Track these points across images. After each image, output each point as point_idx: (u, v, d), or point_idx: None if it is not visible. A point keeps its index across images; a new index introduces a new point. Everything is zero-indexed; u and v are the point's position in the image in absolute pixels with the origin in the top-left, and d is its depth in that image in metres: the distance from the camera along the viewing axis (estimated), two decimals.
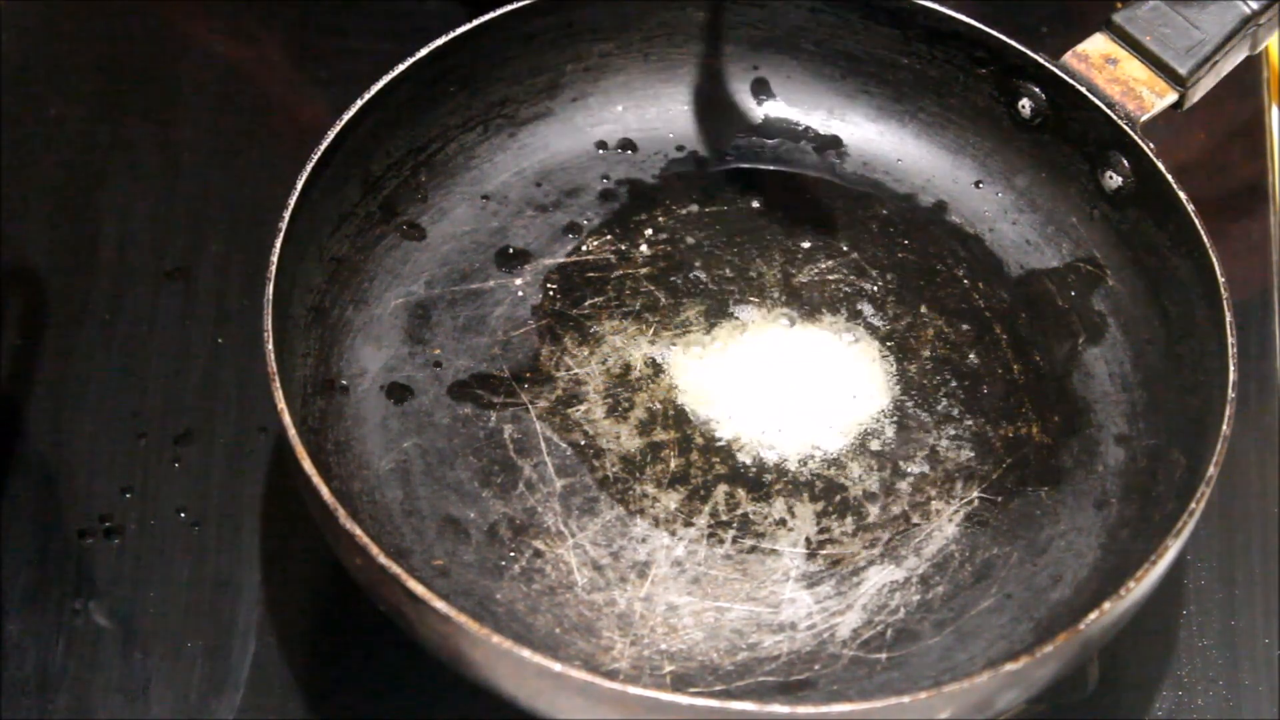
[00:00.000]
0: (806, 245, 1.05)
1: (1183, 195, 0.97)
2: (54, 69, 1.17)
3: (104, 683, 0.95)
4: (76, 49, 1.18)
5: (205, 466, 1.01)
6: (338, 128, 0.97)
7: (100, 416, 1.03)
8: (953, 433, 0.98)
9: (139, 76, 1.18)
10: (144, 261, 1.09)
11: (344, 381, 0.97)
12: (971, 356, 1.01)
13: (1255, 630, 0.99)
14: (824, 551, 0.94)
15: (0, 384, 1.03)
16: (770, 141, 1.08)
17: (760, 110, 1.09)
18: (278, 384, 0.88)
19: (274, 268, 0.92)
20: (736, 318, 1.02)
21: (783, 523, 0.95)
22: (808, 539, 0.94)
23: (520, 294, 1.02)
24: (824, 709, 0.82)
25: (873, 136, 1.08)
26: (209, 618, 0.97)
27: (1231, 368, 0.91)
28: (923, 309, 1.02)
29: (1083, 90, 1.01)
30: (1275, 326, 1.09)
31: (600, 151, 1.07)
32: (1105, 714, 0.96)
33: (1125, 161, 1.00)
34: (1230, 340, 0.92)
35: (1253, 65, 1.09)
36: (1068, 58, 1.02)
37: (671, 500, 0.95)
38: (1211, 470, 0.88)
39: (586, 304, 1.02)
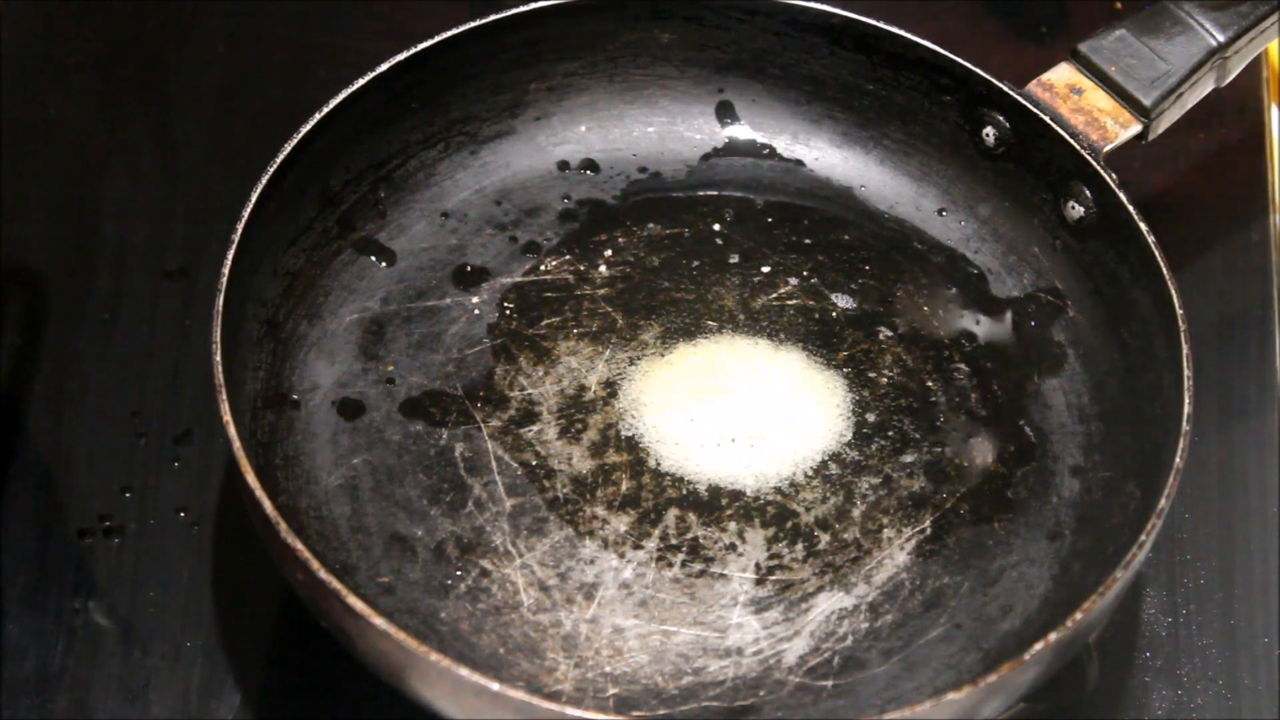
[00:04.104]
0: (766, 270, 1.04)
1: (1144, 227, 0.96)
2: (54, 69, 1.18)
3: (104, 683, 0.95)
4: (76, 49, 1.19)
5: (205, 466, 1.01)
6: (294, 141, 0.96)
7: (100, 416, 1.03)
8: (907, 460, 0.97)
9: (139, 76, 1.18)
10: (144, 261, 1.09)
11: (295, 396, 0.97)
12: (929, 384, 1.00)
13: (1255, 630, 0.99)
14: (773, 577, 0.93)
15: (0, 384, 1.03)
16: (733, 164, 1.08)
17: (724, 133, 1.09)
18: (224, 396, 0.88)
19: (225, 279, 0.91)
20: (694, 341, 1.01)
21: (733, 547, 0.94)
22: (757, 564, 0.93)
23: (476, 312, 1.01)
24: None
25: (836, 162, 1.08)
26: (209, 618, 0.97)
27: (1186, 401, 0.91)
28: (882, 336, 1.02)
29: (1047, 120, 1.00)
30: (1275, 327, 1.09)
31: (562, 171, 1.07)
32: (1105, 714, 0.96)
33: (1088, 192, 1.00)
34: (1186, 373, 0.91)
35: (1253, 65, 1.10)
36: (1032, 86, 1.02)
37: (621, 522, 0.94)
38: (1163, 503, 0.88)
39: (543, 324, 1.01)
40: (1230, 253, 1.14)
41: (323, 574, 0.83)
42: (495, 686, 0.81)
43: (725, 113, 1.09)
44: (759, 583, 0.93)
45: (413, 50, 1.01)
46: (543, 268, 1.03)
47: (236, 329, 0.94)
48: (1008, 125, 1.03)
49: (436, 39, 1.02)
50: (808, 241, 1.05)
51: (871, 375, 1.00)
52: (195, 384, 1.04)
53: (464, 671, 0.81)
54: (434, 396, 0.98)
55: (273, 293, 0.98)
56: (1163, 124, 1.02)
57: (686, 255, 1.04)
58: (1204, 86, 1.03)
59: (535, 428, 0.97)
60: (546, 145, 1.07)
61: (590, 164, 1.07)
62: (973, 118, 1.04)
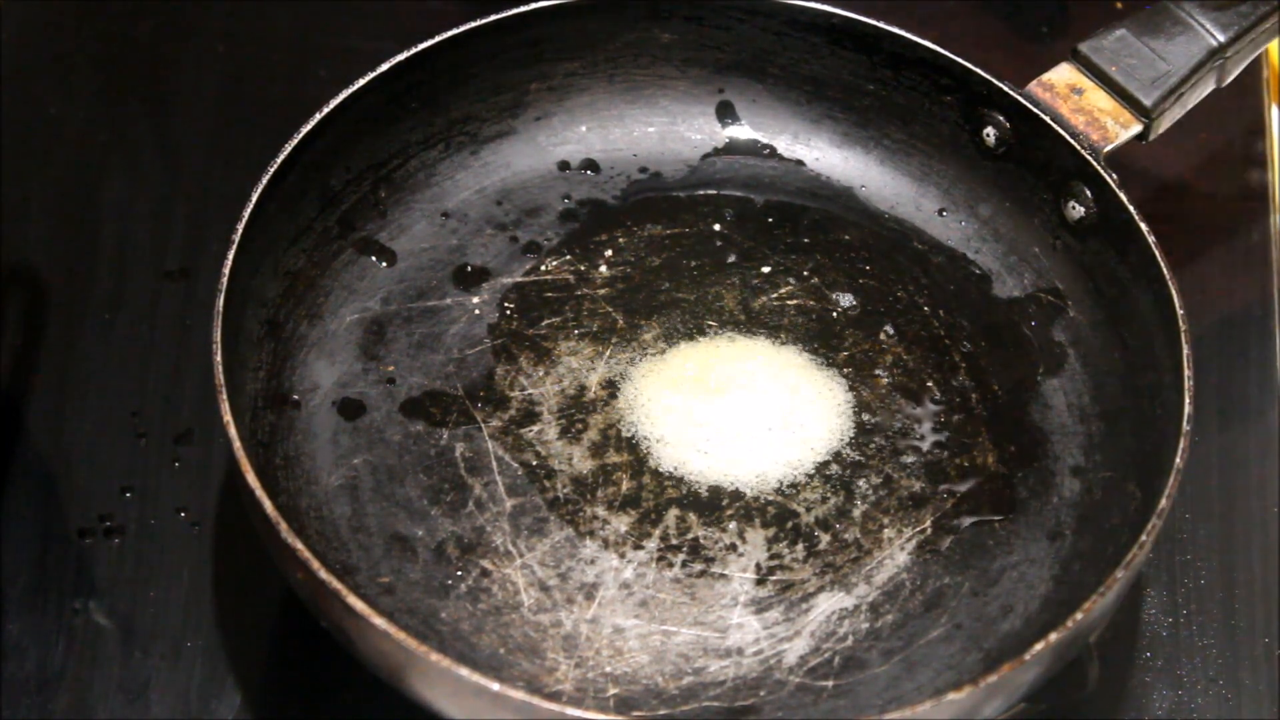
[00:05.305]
0: (767, 270, 1.04)
1: (1144, 227, 0.96)
2: (54, 69, 1.18)
3: (104, 683, 0.95)
4: (76, 48, 1.19)
5: (205, 466, 1.01)
6: (295, 141, 0.96)
7: (100, 416, 1.03)
8: (907, 460, 0.97)
9: (139, 76, 1.18)
10: (144, 261, 1.09)
11: (296, 396, 0.97)
12: (929, 384, 1.00)
13: (1255, 630, 0.99)
14: (774, 577, 0.93)
15: (0, 384, 1.03)
16: (734, 164, 1.08)
17: (724, 133, 1.09)
18: (225, 396, 0.88)
19: (225, 280, 0.91)
20: (694, 341, 1.01)
21: (733, 548, 0.94)
22: (758, 564, 0.93)
23: (477, 312, 1.01)
24: None
25: (837, 162, 1.08)
26: (209, 618, 0.97)
27: (1187, 401, 0.91)
28: (882, 336, 1.02)
29: (1047, 120, 1.00)
30: (1275, 327, 1.09)
31: (562, 171, 1.07)
32: (1105, 714, 0.96)
33: (1088, 192, 1.00)
34: (1187, 373, 0.91)
35: (1253, 65, 1.09)
36: (1033, 87, 1.02)
37: (622, 523, 0.94)
38: (1164, 503, 0.88)
39: (544, 324, 1.01)
40: (1230, 253, 1.14)
41: (323, 574, 0.83)
42: (495, 687, 0.81)
43: (726, 113, 1.09)
44: (759, 583, 0.93)
45: (413, 50, 1.01)
46: (543, 268, 1.03)
47: (237, 329, 0.93)
48: (1008, 125, 1.03)
49: (436, 39, 1.02)
50: (808, 241, 1.05)
51: (871, 375, 1.00)
52: (195, 384, 1.04)
53: (464, 672, 0.81)
54: (434, 396, 0.98)
55: (273, 293, 0.98)
56: (1163, 124, 1.02)
57: (687, 255, 1.04)
58: (1204, 86, 1.03)
59: (536, 428, 0.97)
60: (547, 145, 1.07)
61: (591, 164, 1.07)
62: (973, 118, 1.04)
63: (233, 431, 0.87)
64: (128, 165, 1.13)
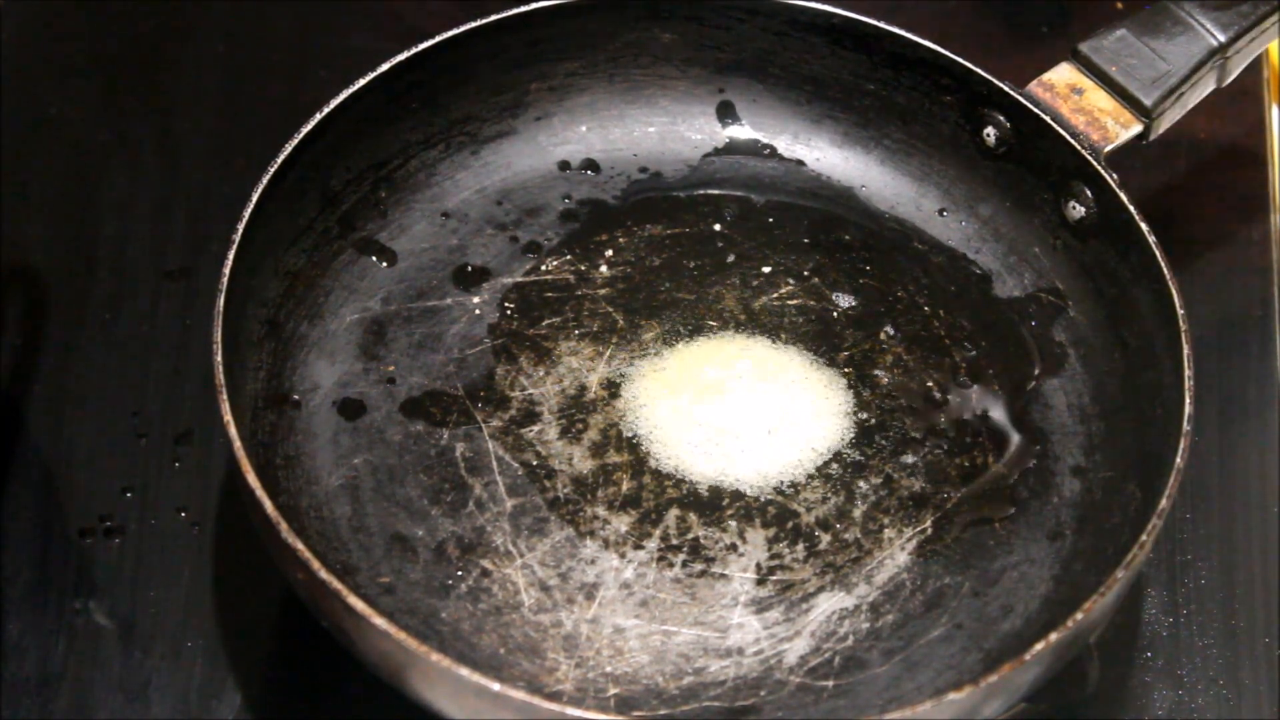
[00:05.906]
0: (767, 270, 1.04)
1: (1144, 227, 0.96)
2: (54, 69, 1.18)
3: (104, 682, 0.95)
4: (76, 48, 1.19)
5: (206, 466, 1.01)
6: (295, 141, 0.97)
7: (100, 416, 1.03)
8: (908, 460, 0.97)
9: (139, 76, 1.18)
10: (144, 261, 1.09)
11: (296, 396, 0.97)
12: (929, 384, 1.00)
13: (1255, 630, 0.99)
14: (774, 577, 0.93)
15: (0, 384, 1.03)
16: (734, 164, 1.08)
17: (725, 133, 1.09)
18: (225, 396, 0.88)
19: (225, 279, 0.91)
20: (695, 341, 1.01)
21: (733, 547, 0.94)
22: (758, 564, 0.93)
23: (477, 312, 1.01)
24: None
25: (837, 162, 1.08)
26: (209, 618, 0.97)
27: (1187, 401, 0.91)
28: (882, 336, 1.02)
29: (1047, 120, 1.00)
30: (1275, 327, 1.09)
31: (563, 171, 1.07)
32: (1105, 714, 0.96)
33: (1088, 192, 1.00)
34: (1187, 373, 0.91)
35: (1253, 65, 1.09)
36: (1033, 87, 1.02)
37: (622, 523, 0.94)
38: (1164, 503, 0.88)
39: (544, 324, 1.01)
40: (1230, 253, 1.14)
41: (323, 574, 0.83)
42: (496, 687, 0.81)
43: (726, 113, 1.09)
44: (760, 583, 0.93)
45: (413, 50, 1.01)
46: (543, 268, 1.03)
47: (237, 329, 0.94)
48: (1008, 125, 1.03)
49: (436, 39, 1.02)
50: (808, 241, 1.05)
51: (872, 375, 1.00)
52: (196, 384, 1.04)
53: (465, 672, 0.81)
54: (435, 396, 0.98)
55: (273, 293, 0.98)
56: (1163, 124, 1.02)
57: (687, 255, 1.04)
58: (1205, 86, 1.03)
59: (536, 428, 0.97)
60: (547, 145, 1.07)
61: (591, 164, 1.07)
62: (973, 118, 1.04)
63: (233, 431, 0.87)
64: (128, 165, 1.13)
